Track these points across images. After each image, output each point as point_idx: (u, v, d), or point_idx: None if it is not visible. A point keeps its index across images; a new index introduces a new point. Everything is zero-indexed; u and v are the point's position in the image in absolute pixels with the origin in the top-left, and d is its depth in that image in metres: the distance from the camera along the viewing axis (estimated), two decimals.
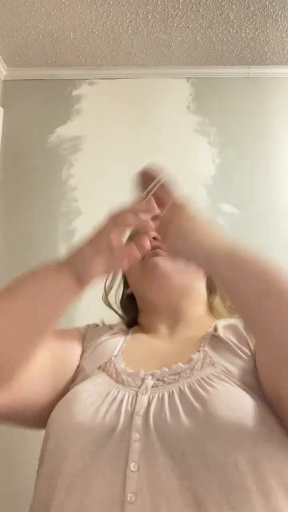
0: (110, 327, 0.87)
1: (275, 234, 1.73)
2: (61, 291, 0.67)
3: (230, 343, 0.71)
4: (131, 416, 0.61)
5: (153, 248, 0.78)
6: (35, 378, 0.69)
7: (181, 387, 0.63)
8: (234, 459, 0.54)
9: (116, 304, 0.97)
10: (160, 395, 0.63)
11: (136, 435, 0.58)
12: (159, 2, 1.56)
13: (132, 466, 0.56)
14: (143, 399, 0.63)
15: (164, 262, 0.79)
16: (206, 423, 0.57)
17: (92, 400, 0.64)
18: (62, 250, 1.76)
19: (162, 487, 0.54)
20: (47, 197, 1.81)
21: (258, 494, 0.52)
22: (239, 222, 1.74)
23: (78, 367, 0.76)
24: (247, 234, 1.72)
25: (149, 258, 0.79)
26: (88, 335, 0.82)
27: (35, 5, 1.57)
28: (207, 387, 0.61)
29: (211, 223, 0.69)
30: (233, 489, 0.53)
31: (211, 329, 0.77)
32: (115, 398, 0.64)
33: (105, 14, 1.61)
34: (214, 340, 0.73)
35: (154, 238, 0.79)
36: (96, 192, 1.81)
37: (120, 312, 0.96)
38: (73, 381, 0.74)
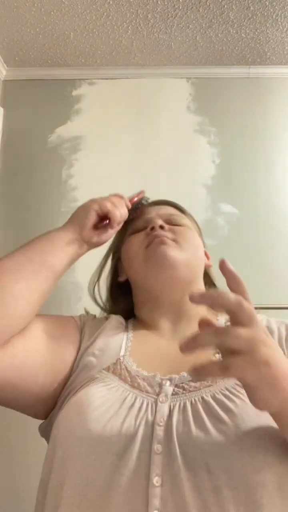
0: (106, 318, 0.82)
1: (275, 234, 1.73)
2: (65, 243, 0.75)
3: None
4: (151, 426, 0.57)
5: (159, 236, 0.76)
6: (30, 351, 0.67)
7: (204, 396, 0.60)
8: (263, 476, 0.52)
9: (99, 296, 0.93)
10: (182, 404, 0.59)
11: (158, 447, 0.55)
12: (159, 2, 1.56)
13: (155, 480, 0.52)
14: (164, 408, 0.59)
15: (173, 252, 0.75)
16: (234, 437, 0.54)
17: (107, 407, 0.60)
18: None
19: (187, 504, 0.51)
20: (47, 197, 1.81)
21: None
22: (239, 222, 1.74)
23: (76, 358, 0.72)
24: (247, 234, 1.72)
25: (156, 246, 0.76)
26: (87, 327, 0.77)
27: (35, 5, 1.57)
28: (234, 398, 0.58)
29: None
30: (260, 508, 0.51)
31: (222, 324, 0.75)
32: (132, 405, 0.60)
33: (105, 14, 1.61)
34: None
35: (161, 227, 0.78)
36: (96, 192, 1.80)
37: (104, 304, 0.91)
38: (71, 371, 0.70)
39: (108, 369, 0.67)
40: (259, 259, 1.68)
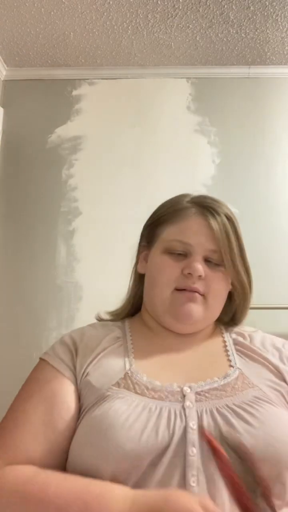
0: (103, 325, 0.81)
1: (275, 234, 1.73)
2: None
3: (264, 361, 0.72)
4: (184, 430, 0.59)
5: (193, 290, 0.74)
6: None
7: (228, 404, 0.62)
8: (284, 478, 0.57)
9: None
10: (208, 409, 0.62)
11: (192, 450, 0.57)
12: (159, 2, 1.56)
13: (192, 481, 0.55)
14: (192, 413, 0.61)
15: (197, 311, 0.74)
16: (264, 442, 0.57)
17: (133, 421, 0.59)
18: (62, 250, 1.77)
19: (224, 502, 0.54)
20: (47, 197, 1.81)
21: None
22: (239, 222, 1.74)
23: (77, 390, 0.69)
24: (247, 234, 1.72)
25: (185, 302, 0.74)
26: (81, 349, 0.74)
27: (35, 5, 1.57)
28: (256, 406, 0.62)
29: None
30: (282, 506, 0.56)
31: (228, 336, 0.79)
32: (160, 415, 0.61)
33: (105, 14, 1.61)
34: (239, 350, 0.75)
35: (199, 276, 0.73)
36: (96, 192, 1.81)
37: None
38: (79, 396, 0.68)
39: (118, 385, 0.66)
40: (259, 259, 1.67)
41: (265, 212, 1.76)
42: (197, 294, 0.74)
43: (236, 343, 0.77)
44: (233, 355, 0.73)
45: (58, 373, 0.70)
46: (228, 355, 0.74)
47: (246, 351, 0.74)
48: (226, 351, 0.75)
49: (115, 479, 0.56)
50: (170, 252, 0.76)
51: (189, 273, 0.73)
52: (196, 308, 0.74)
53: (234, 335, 0.79)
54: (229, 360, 0.72)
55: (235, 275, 0.79)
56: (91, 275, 1.72)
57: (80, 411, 0.67)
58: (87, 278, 1.73)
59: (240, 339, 0.78)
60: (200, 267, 0.74)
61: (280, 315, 1.62)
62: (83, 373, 0.70)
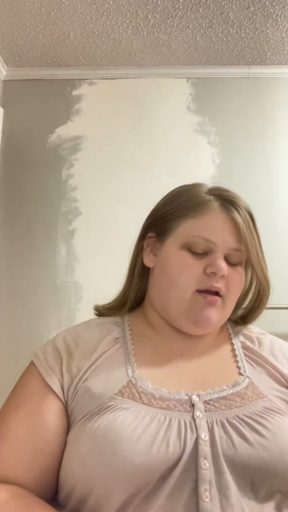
0: (99, 324, 0.76)
1: (274, 234, 1.73)
2: None
3: (272, 370, 0.70)
4: (195, 442, 0.56)
5: (216, 290, 0.69)
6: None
7: (239, 415, 0.60)
8: None
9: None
10: (219, 420, 0.59)
11: (205, 463, 0.54)
12: (159, 2, 1.56)
13: (205, 496, 0.53)
14: (203, 424, 0.58)
15: (215, 315, 0.70)
16: (276, 454, 0.56)
17: (141, 433, 0.56)
18: (62, 250, 1.77)
19: None
20: (47, 197, 1.82)
21: None
22: None
23: (64, 399, 0.65)
24: None
25: (205, 306, 0.69)
26: (77, 353, 0.69)
27: (35, 5, 1.57)
28: (267, 417, 0.60)
29: None
30: None
31: (237, 340, 0.76)
32: (169, 426, 0.57)
33: (105, 14, 1.61)
34: (249, 357, 0.72)
35: (222, 276, 0.69)
36: (96, 192, 1.81)
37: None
38: (72, 398, 0.65)
39: (121, 394, 0.62)
40: None
41: (265, 212, 1.76)
42: (218, 298, 0.69)
43: (244, 347, 0.74)
44: (242, 361, 0.71)
45: (44, 386, 0.66)
46: (237, 361, 0.71)
47: (254, 357, 0.72)
48: (235, 356, 0.72)
49: (123, 494, 0.54)
50: (191, 249, 0.70)
51: (213, 272, 0.68)
52: (215, 313, 0.70)
53: (242, 338, 0.76)
54: (238, 367, 0.69)
55: (261, 272, 0.74)
56: (91, 275, 1.72)
57: (73, 419, 0.63)
58: (87, 278, 1.73)
59: (248, 343, 0.74)
60: (224, 266, 0.69)
61: (280, 315, 1.62)
62: (81, 377, 0.66)
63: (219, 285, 0.69)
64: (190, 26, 1.67)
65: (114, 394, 0.62)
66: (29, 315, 1.70)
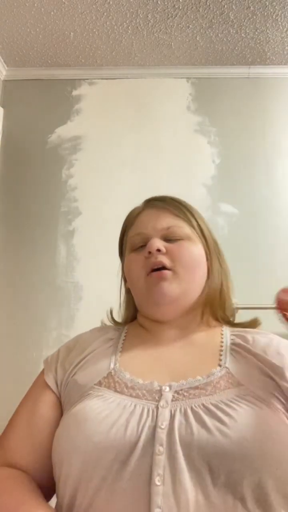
0: (101, 328, 0.83)
1: (275, 234, 1.73)
2: None
3: (259, 362, 0.68)
4: (153, 429, 0.59)
5: (159, 266, 0.74)
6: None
7: (205, 403, 0.61)
8: (258, 478, 0.55)
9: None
10: (183, 409, 0.61)
11: (159, 449, 0.57)
12: (159, 2, 1.56)
13: (157, 480, 0.55)
14: (165, 413, 0.61)
15: (170, 289, 0.74)
16: (236, 442, 0.56)
17: (105, 416, 0.61)
18: (62, 250, 1.77)
19: (188, 502, 0.53)
20: (47, 197, 1.82)
21: None
22: (239, 222, 1.74)
23: (57, 392, 0.73)
24: (247, 234, 1.72)
25: (156, 282, 0.74)
26: (74, 351, 0.77)
27: (35, 5, 1.57)
28: (234, 406, 0.60)
29: None
30: (258, 508, 0.54)
31: (228, 337, 0.75)
32: (133, 412, 0.61)
33: (105, 14, 1.61)
34: (235, 351, 0.72)
35: (158, 250, 0.75)
36: (96, 192, 1.81)
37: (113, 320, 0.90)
38: (59, 399, 0.73)
39: (100, 384, 0.68)
40: (259, 259, 1.68)
41: (265, 212, 1.76)
42: (166, 271, 0.74)
43: (234, 343, 0.74)
44: (225, 354, 0.71)
45: (43, 382, 0.76)
46: (220, 355, 0.72)
47: (242, 351, 0.71)
48: (220, 350, 0.73)
49: (83, 471, 0.58)
50: (133, 249, 0.80)
51: (149, 252, 0.75)
52: (168, 285, 0.74)
53: (234, 336, 0.76)
54: (220, 360, 0.70)
55: (203, 238, 0.80)
56: (91, 275, 1.72)
57: (64, 409, 0.71)
58: (87, 278, 1.73)
59: (239, 341, 0.74)
60: (155, 243, 0.76)
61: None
62: (71, 372, 0.73)
63: (160, 259, 0.75)
64: (190, 26, 1.67)
65: (94, 384, 0.68)
66: (29, 315, 1.70)
